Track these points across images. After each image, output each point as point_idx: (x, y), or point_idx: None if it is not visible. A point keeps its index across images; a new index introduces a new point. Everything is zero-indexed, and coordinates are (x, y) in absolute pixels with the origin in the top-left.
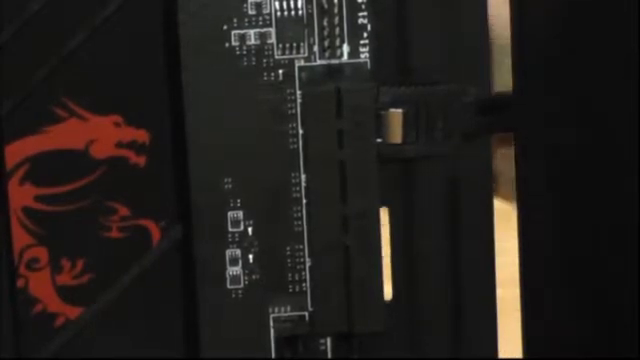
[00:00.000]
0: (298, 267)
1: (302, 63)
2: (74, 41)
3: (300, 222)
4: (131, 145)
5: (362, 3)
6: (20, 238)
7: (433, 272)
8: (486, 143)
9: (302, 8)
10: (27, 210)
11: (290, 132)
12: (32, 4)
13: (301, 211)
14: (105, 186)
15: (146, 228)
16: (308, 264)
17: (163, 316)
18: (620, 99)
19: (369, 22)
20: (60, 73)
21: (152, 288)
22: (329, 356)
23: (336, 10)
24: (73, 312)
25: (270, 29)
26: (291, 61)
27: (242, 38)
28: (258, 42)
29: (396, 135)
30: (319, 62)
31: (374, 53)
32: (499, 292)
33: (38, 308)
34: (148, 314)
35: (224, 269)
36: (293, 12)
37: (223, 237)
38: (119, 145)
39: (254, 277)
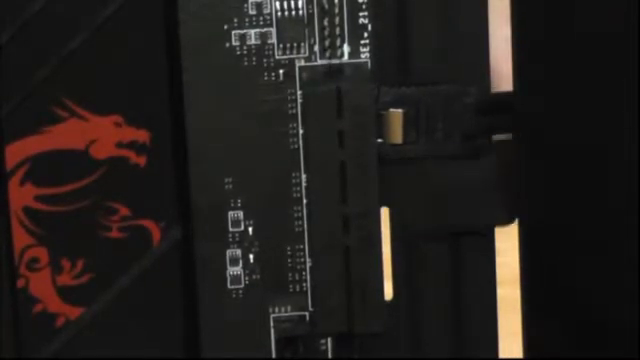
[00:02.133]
0: (298, 267)
1: (303, 63)
2: (74, 41)
3: (300, 222)
4: (131, 145)
5: (363, 3)
6: (20, 238)
7: (433, 272)
8: (486, 143)
9: (303, 8)
10: (27, 210)
11: (290, 132)
12: (32, 4)
13: (301, 211)
14: (105, 186)
15: (146, 228)
16: (308, 264)
17: (163, 316)
18: (620, 99)
19: (370, 22)
20: (60, 73)
21: (152, 288)
22: (329, 356)
23: (337, 10)
24: (73, 312)
25: (271, 29)
26: (292, 61)
27: (242, 38)
28: (259, 42)
29: (396, 135)
30: (320, 62)
31: (374, 53)
32: (499, 292)
33: (38, 308)
34: (148, 314)
35: (224, 269)
36: (294, 12)
37: (223, 237)
38: (119, 145)
39: (254, 277)
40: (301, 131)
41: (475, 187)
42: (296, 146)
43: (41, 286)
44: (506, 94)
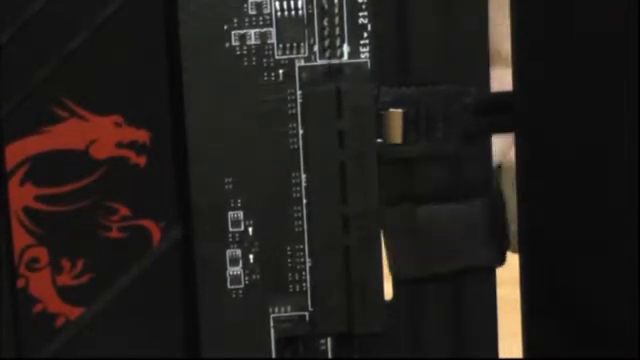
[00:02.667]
0: (298, 267)
1: (302, 63)
2: (74, 41)
3: (300, 222)
4: (131, 145)
5: (362, 3)
6: (20, 238)
7: (433, 272)
8: (486, 143)
9: (302, 8)
10: (27, 210)
11: (290, 132)
12: (32, 4)
13: (301, 211)
14: (105, 186)
15: (146, 228)
16: (308, 264)
17: (163, 316)
18: (620, 99)
19: (369, 22)
20: (60, 73)
21: (152, 288)
22: (329, 356)
23: (336, 10)
24: (73, 312)
25: (270, 29)
26: (291, 61)
27: (242, 38)
28: (258, 42)
29: (396, 135)
30: (319, 62)
31: (374, 53)
32: (499, 292)
33: (38, 308)
34: (148, 314)
35: (224, 269)
36: (293, 12)
37: (223, 237)
38: (119, 145)
39: (254, 277)
40: (301, 131)
41: (474, 186)
42: (296, 146)
43: (41, 286)
44: (506, 94)
